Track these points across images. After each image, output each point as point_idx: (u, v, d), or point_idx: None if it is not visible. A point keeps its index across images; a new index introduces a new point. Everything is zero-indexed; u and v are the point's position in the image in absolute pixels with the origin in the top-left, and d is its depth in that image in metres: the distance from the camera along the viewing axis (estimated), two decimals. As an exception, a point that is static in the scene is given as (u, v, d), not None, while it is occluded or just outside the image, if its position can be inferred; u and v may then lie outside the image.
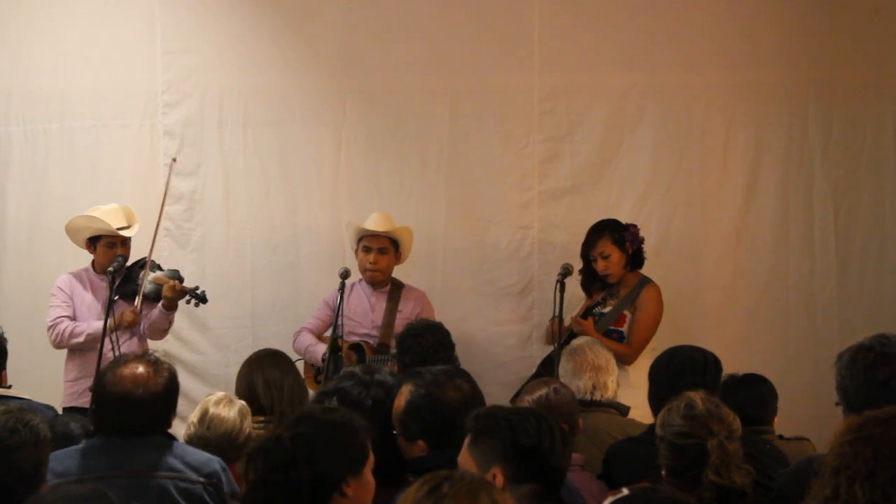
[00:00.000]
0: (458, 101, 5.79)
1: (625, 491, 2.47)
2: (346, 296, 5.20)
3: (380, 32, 5.77)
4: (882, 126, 5.75)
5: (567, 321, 5.10)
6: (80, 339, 5.05)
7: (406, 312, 5.31)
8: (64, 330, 5.07)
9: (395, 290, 5.42)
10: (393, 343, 5.09)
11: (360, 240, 5.39)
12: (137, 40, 5.83)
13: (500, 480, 2.45)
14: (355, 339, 5.31)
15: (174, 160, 5.51)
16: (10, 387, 3.95)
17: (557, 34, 5.72)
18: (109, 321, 4.83)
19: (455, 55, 5.78)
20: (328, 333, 5.35)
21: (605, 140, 5.77)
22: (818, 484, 2.23)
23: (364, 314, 5.38)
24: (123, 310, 5.02)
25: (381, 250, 5.35)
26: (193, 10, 5.83)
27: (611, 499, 2.50)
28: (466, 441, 2.56)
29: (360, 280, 5.46)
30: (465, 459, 2.53)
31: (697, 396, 2.89)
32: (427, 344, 4.23)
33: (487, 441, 2.52)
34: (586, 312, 5.20)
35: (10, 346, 4.00)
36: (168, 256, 5.69)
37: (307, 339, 5.37)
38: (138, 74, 5.84)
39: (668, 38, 5.72)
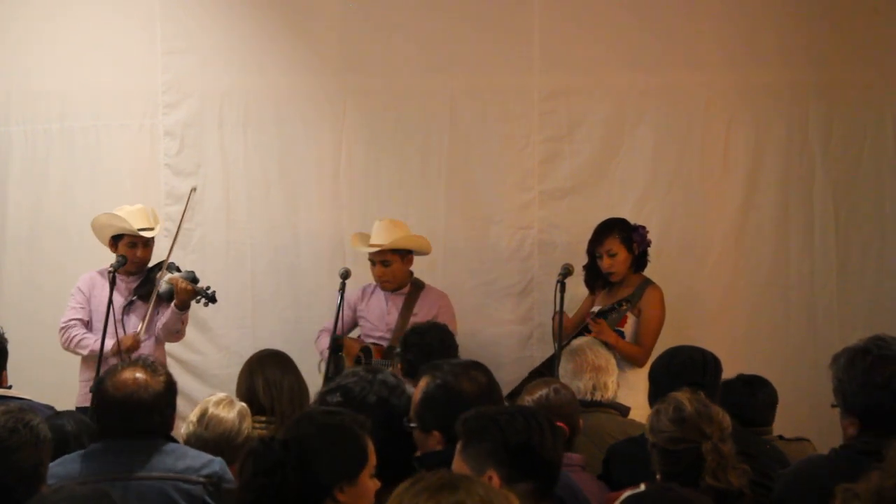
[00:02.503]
0: (458, 101, 5.79)
1: (642, 486, 2.46)
2: (366, 297, 5.27)
3: (380, 32, 5.77)
4: (882, 126, 5.75)
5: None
6: (84, 352, 5.10)
7: (421, 316, 5.22)
8: (73, 337, 5.11)
9: (413, 292, 5.35)
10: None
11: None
12: (137, 40, 5.83)
13: (496, 482, 2.43)
14: (371, 341, 5.31)
15: (194, 189, 5.38)
16: (10, 387, 3.94)
17: (557, 34, 5.72)
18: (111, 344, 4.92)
19: (455, 55, 5.78)
20: (352, 334, 5.38)
21: (605, 140, 5.77)
22: (882, 469, 2.18)
23: (380, 317, 5.35)
24: (125, 335, 5.03)
25: (384, 263, 5.30)
26: (194, 11, 5.84)
27: (628, 492, 2.50)
28: (458, 447, 2.54)
29: None
30: (459, 466, 2.50)
31: (684, 397, 2.85)
32: (432, 341, 4.22)
33: (478, 445, 2.50)
34: (600, 314, 5.15)
35: (10, 347, 3.99)
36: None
37: (326, 338, 5.33)
38: (138, 74, 5.85)
39: (669, 38, 5.72)
